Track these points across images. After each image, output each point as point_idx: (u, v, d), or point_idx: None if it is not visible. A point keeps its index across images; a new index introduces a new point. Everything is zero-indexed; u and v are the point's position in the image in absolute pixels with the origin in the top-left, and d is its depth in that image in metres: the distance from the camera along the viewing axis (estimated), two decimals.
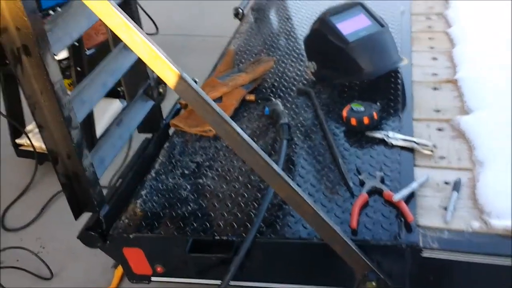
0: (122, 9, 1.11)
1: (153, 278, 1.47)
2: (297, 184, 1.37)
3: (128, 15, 1.11)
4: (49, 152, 1.31)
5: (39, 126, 1.27)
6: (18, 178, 2.47)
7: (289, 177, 1.17)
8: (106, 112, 2.57)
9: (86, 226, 1.43)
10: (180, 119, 1.84)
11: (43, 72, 1.17)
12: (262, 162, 1.15)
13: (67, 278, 2.00)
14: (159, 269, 1.42)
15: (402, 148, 1.46)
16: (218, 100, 1.87)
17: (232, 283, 1.30)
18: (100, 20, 1.13)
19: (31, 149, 2.39)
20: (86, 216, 1.45)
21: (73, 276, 2.01)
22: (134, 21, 1.11)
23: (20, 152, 2.46)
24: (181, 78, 1.12)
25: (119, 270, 1.95)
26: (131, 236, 1.39)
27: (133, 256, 1.43)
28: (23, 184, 2.42)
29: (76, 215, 1.43)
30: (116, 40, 1.54)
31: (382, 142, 1.50)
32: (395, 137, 1.48)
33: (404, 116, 1.60)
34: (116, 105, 2.64)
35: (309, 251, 1.27)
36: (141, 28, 1.11)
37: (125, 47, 1.44)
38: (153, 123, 1.81)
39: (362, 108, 1.56)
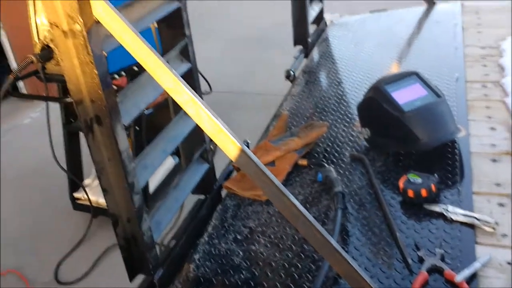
0: (186, 78, 1.17)
1: None
2: (352, 257, 1.35)
3: (190, 84, 1.17)
4: (111, 215, 1.36)
5: (104, 190, 1.32)
6: (73, 231, 2.55)
7: (344, 249, 1.15)
8: (159, 168, 2.65)
9: None
10: (233, 182, 1.87)
11: (112, 141, 1.24)
12: (318, 235, 1.14)
13: None
14: None
15: (462, 223, 1.42)
16: (271, 164, 1.89)
17: None
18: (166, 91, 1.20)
19: (87, 203, 2.48)
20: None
21: None
22: (195, 86, 1.16)
23: (77, 205, 2.56)
24: (243, 151, 1.15)
25: None
26: None
27: None
28: (78, 237, 2.50)
29: (131, 277, 1.46)
30: (176, 105, 1.61)
31: (441, 216, 1.46)
32: (455, 212, 1.45)
33: (463, 189, 1.57)
34: (168, 161, 2.73)
35: None
36: (200, 89, 1.16)
37: (185, 114, 1.51)
38: (206, 184, 1.84)
39: (419, 180, 1.54)
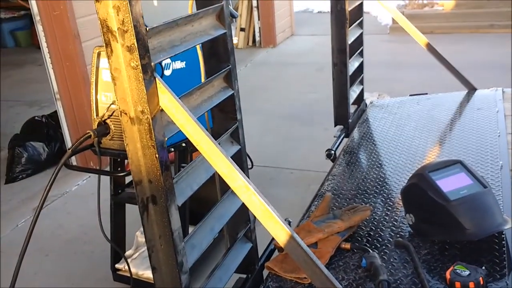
0: (235, 158, 1.23)
1: None
2: None
3: (238, 164, 1.23)
4: None
5: (153, 268, 1.37)
6: None
7: None
8: None
9: None
10: (275, 263, 1.87)
11: (166, 220, 1.30)
12: None
13: None
14: None
15: None
16: (314, 245, 1.90)
17: None
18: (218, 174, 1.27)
19: (127, 274, 2.51)
20: None
21: None
22: (243, 167, 1.21)
23: (117, 276, 2.59)
24: (291, 237, 1.18)
25: None
26: None
27: None
28: None
29: None
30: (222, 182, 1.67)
31: None
32: None
33: (511, 283, 1.52)
34: None
35: None
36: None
37: (233, 193, 1.56)
38: (248, 263, 1.86)
39: (467, 272, 1.51)
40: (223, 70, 1.52)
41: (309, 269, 1.18)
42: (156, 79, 1.17)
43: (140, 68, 1.12)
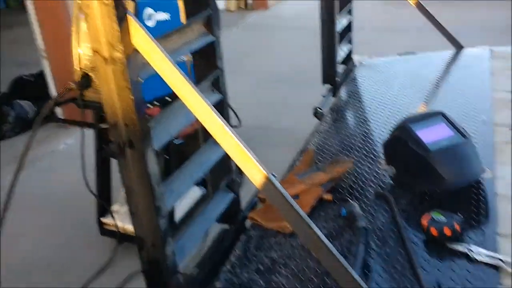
0: (216, 108, 1.23)
1: None
2: None
3: (220, 113, 1.22)
4: (137, 238, 1.40)
5: (131, 212, 1.37)
6: (99, 256, 2.59)
7: (365, 283, 1.15)
8: (184, 197, 2.70)
9: None
10: (258, 213, 1.89)
11: (143, 164, 1.29)
12: (339, 267, 1.15)
13: None
14: None
15: (486, 264, 1.40)
16: (296, 197, 1.91)
17: None
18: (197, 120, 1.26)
19: (114, 228, 2.53)
20: None
21: None
22: (224, 117, 1.21)
23: (104, 230, 2.61)
24: (269, 181, 1.19)
25: None
26: None
27: None
28: (103, 262, 2.54)
29: None
30: (206, 134, 1.67)
31: (464, 256, 1.45)
32: (479, 252, 1.43)
33: (487, 230, 1.55)
34: (195, 191, 2.77)
35: None
36: (229, 121, 1.22)
37: (215, 142, 1.56)
38: (231, 214, 1.87)
39: (443, 218, 1.54)
40: (203, 14, 1.49)
41: (290, 217, 1.19)
42: (129, 16, 1.14)
43: (113, 4, 1.09)
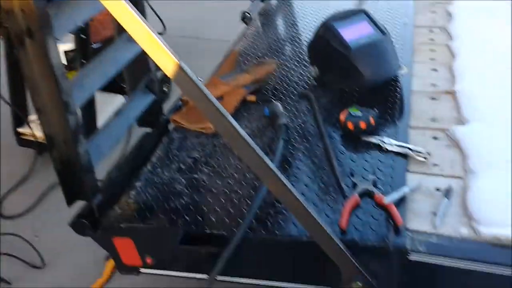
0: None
1: (142, 270, 1.47)
2: (292, 184, 1.38)
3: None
4: (46, 137, 1.33)
5: (37, 110, 1.29)
6: (18, 166, 2.49)
7: (284, 176, 1.17)
8: (110, 107, 2.59)
9: (78, 214, 1.43)
10: (181, 115, 1.85)
11: (44, 55, 1.19)
12: (256, 158, 1.15)
13: (58, 268, 2.01)
14: (149, 260, 1.43)
15: (397, 154, 1.47)
16: (219, 98, 1.88)
17: (221, 278, 1.30)
18: (108, 12, 1.15)
19: (33, 138, 2.41)
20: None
21: (64, 266, 2.02)
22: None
23: (21, 141, 2.49)
24: (181, 69, 1.13)
25: (111, 262, 1.96)
26: (122, 225, 1.40)
27: (124, 246, 1.44)
28: (23, 173, 2.44)
29: (69, 202, 1.45)
30: (121, 33, 1.56)
31: (377, 147, 1.51)
32: (390, 143, 1.49)
33: (400, 123, 1.61)
34: (120, 101, 2.67)
35: (298, 249, 1.28)
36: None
37: (129, 39, 1.46)
38: (153, 117, 1.82)
39: (359, 113, 1.58)
40: None
41: (212, 117, 1.15)
42: None
43: None
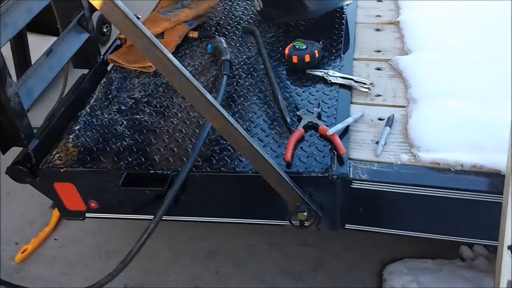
0: None
1: (87, 215, 1.44)
2: (236, 119, 1.36)
3: None
4: None
5: None
6: None
7: (229, 112, 1.14)
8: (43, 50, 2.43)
9: (15, 161, 1.36)
10: (119, 55, 1.76)
11: None
12: (198, 95, 1.11)
13: (3, 218, 1.94)
14: (93, 204, 1.39)
15: (341, 85, 1.46)
16: (160, 36, 1.80)
17: (167, 218, 1.29)
18: None
19: None
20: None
21: (8, 217, 1.95)
22: None
23: None
24: (114, 4, 1.04)
25: (57, 211, 1.91)
26: (62, 170, 1.34)
27: (66, 191, 1.39)
28: None
29: (4, 150, 1.37)
30: None
31: (322, 80, 1.49)
32: (335, 75, 1.48)
33: (345, 55, 1.60)
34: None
35: (244, 184, 1.27)
36: None
37: None
38: (89, 58, 1.72)
39: (304, 46, 1.54)
40: None
41: (152, 56, 1.08)
42: None
43: None
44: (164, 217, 1.23)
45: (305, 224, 1.21)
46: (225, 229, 1.72)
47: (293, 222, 1.22)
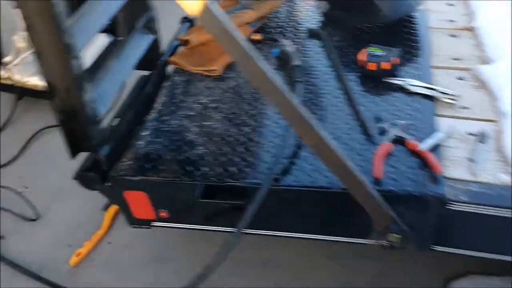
0: None
1: (155, 223, 1.39)
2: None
3: None
4: (48, 84, 1.18)
5: (37, 53, 1.13)
6: None
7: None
8: (91, 46, 2.39)
9: (85, 167, 1.32)
10: (181, 57, 1.71)
11: None
12: (290, 106, 1.04)
13: (53, 220, 1.91)
14: (163, 214, 1.35)
15: (423, 96, 1.39)
16: None
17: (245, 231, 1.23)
18: None
19: (9, 82, 2.22)
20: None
21: (60, 218, 1.91)
22: None
23: None
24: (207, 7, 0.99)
25: (110, 212, 1.87)
26: (135, 179, 1.30)
27: (136, 199, 1.34)
28: (2, 120, 2.26)
29: (74, 154, 1.32)
30: None
31: (401, 89, 1.42)
32: (415, 85, 1.41)
33: (422, 63, 1.52)
34: (101, 39, 2.46)
35: (327, 201, 1.21)
36: None
37: None
38: (151, 59, 1.66)
39: (381, 53, 1.47)
40: None
41: (248, 70, 1.01)
42: None
43: None
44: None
45: (394, 246, 1.15)
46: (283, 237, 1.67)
47: (381, 242, 1.16)
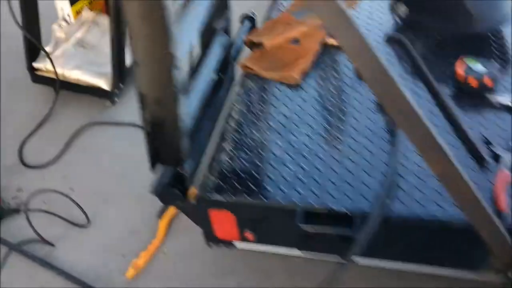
0: None
1: (238, 244, 1.29)
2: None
3: None
4: (139, 95, 1.07)
5: (134, 62, 1.01)
6: (34, 107, 2.17)
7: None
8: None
9: (166, 181, 1.20)
10: (252, 61, 1.59)
11: None
12: (425, 131, 0.93)
13: (103, 226, 1.78)
14: (249, 236, 1.24)
15: None
16: (295, 41, 1.62)
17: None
18: None
19: (50, 75, 2.09)
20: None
21: (110, 224, 1.79)
22: None
23: (37, 77, 2.15)
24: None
25: (164, 221, 1.76)
26: (224, 199, 1.19)
27: (220, 219, 1.24)
28: (40, 114, 2.13)
29: (154, 166, 1.21)
30: None
31: (505, 108, 1.32)
32: None
33: None
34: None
35: (445, 233, 1.11)
36: None
37: None
38: (225, 63, 1.54)
39: (481, 67, 1.36)
40: None
41: (387, 97, 0.89)
42: None
43: None
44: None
45: None
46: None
47: (503, 279, 1.07)
